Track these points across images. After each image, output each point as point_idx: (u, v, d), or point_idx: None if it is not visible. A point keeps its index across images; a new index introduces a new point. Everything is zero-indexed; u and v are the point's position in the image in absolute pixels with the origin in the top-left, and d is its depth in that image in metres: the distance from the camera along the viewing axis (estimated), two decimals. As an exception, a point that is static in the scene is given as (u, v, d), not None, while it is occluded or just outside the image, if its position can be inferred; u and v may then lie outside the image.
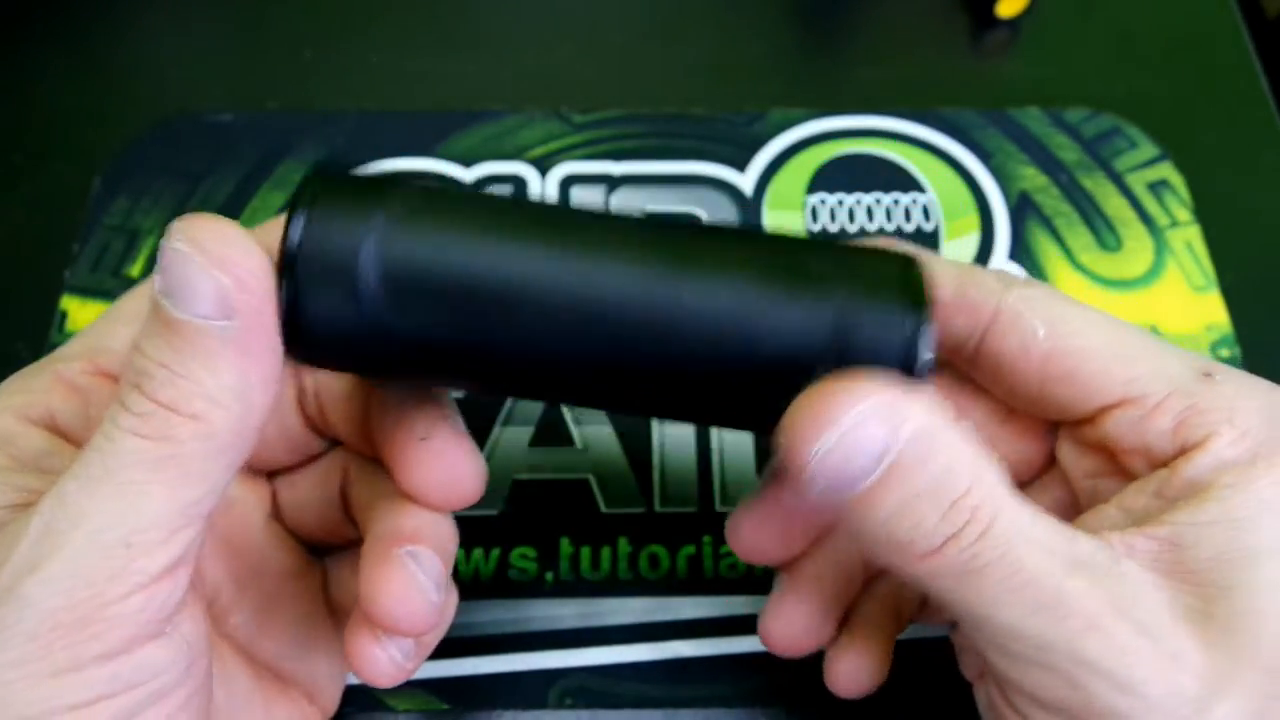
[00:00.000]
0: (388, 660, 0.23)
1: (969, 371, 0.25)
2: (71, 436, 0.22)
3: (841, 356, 0.20)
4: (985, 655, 0.21)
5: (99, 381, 0.23)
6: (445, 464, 0.23)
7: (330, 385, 0.25)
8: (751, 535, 0.25)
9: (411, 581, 0.23)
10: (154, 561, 0.19)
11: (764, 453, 0.33)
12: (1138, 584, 0.20)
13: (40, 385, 0.23)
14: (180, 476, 0.19)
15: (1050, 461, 0.26)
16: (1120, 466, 0.23)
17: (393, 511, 0.24)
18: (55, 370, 0.23)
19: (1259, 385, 0.23)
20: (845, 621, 0.26)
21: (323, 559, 0.28)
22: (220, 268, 0.18)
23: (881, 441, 0.19)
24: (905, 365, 0.20)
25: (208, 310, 0.18)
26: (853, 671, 0.26)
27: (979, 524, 0.20)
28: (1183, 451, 0.22)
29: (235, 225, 0.19)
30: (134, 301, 0.24)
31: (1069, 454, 0.25)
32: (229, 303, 0.19)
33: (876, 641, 0.26)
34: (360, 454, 0.26)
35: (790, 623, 0.26)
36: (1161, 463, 0.22)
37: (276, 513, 0.27)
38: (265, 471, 0.27)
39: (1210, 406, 0.22)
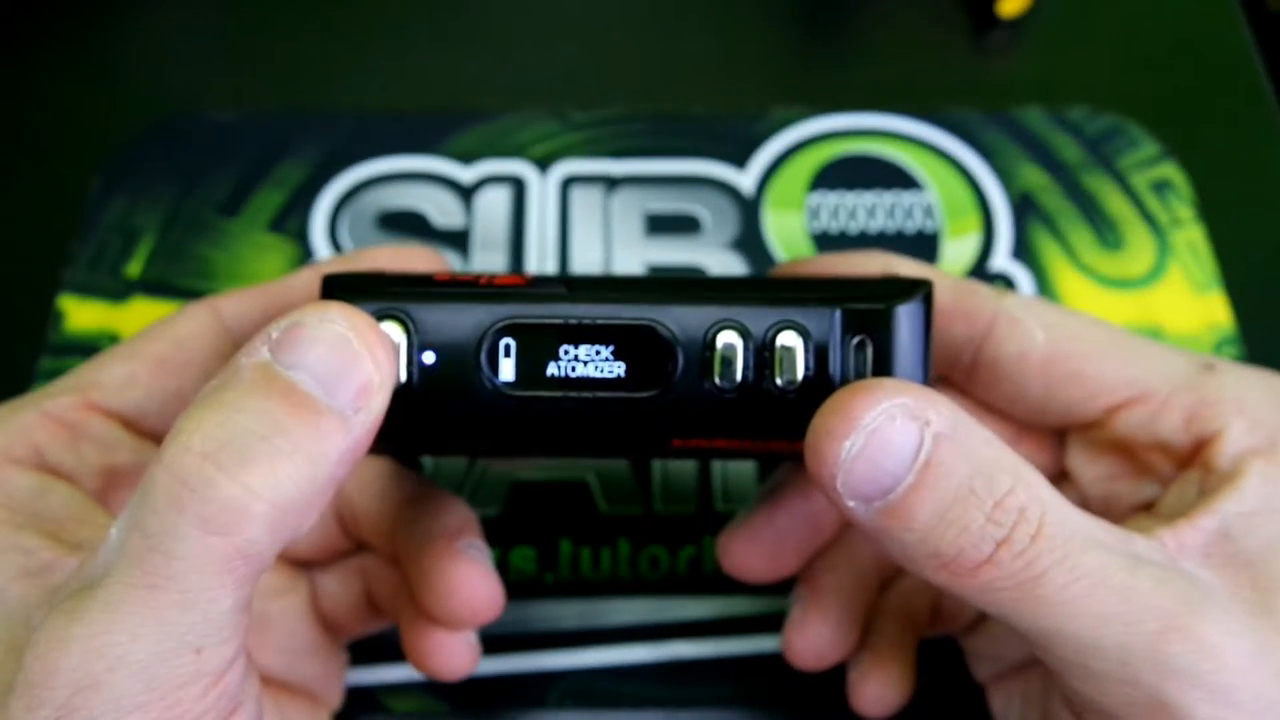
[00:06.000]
0: (466, 647, 0.25)
1: (967, 386, 0.25)
2: (62, 472, 0.22)
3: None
4: (1063, 680, 0.20)
5: (88, 415, 0.22)
6: (469, 587, 0.24)
7: (362, 494, 0.25)
8: (742, 554, 0.25)
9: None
10: (222, 656, 0.18)
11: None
12: (1201, 580, 0.19)
13: (22, 422, 0.22)
14: (250, 573, 0.17)
15: (1060, 476, 0.25)
16: (1135, 465, 0.23)
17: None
18: (39, 406, 0.22)
19: (1259, 373, 0.23)
20: (864, 641, 0.26)
21: (308, 572, 0.27)
22: (373, 358, 0.18)
23: (913, 438, 0.18)
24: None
25: (347, 398, 0.18)
26: (879, 693, 0.25)
27: (1029, 524, 0.18)
28: (1198, 443, 0.22)
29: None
30: (147, 342, 0.23)
31: (1079, 462, 0.24)
32: (370, 394, 0.18)
33: (898, 660, 0.26)
34: (382, 551, 0.26)
35: (815, 637, 0.25)
36: (1179, 456, 0.22)
37: None
38: None
39: (1217, 398, 0.22)
